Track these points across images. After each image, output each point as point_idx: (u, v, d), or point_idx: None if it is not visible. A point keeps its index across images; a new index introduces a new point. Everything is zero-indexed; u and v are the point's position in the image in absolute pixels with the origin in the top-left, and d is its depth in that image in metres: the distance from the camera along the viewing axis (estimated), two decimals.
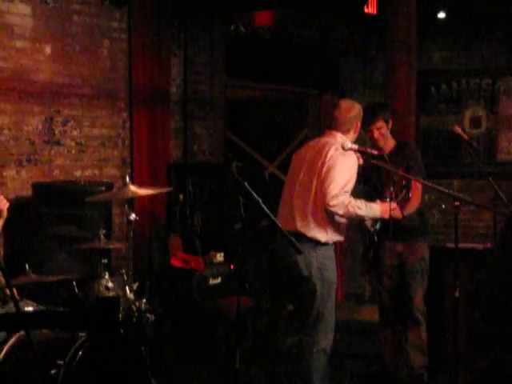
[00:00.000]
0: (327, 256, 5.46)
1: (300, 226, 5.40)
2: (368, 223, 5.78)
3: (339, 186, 5.25)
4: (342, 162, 5.34)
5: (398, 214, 5.67)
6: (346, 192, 5.28)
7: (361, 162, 5.53)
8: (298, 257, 5.25)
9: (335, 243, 5.56)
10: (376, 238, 5.88)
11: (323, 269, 5.42)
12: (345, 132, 5.56)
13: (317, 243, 5.40)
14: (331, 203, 5.23)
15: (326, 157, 5.38)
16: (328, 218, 5.37)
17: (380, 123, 6.02)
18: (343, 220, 5.46)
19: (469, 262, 6.37)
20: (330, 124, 5.62)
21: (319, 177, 5.35)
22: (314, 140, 5.79)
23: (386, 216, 5.53)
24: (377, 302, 6.45)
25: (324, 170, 5.34)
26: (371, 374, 6.55)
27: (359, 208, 5.32)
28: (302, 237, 5.32)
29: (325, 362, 5.51)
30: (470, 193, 8.78)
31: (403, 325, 6.18)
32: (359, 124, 5.65)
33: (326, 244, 5.43)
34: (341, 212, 5.27)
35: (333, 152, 5.38)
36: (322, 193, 5.29)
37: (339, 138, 5.50)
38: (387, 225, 5.68)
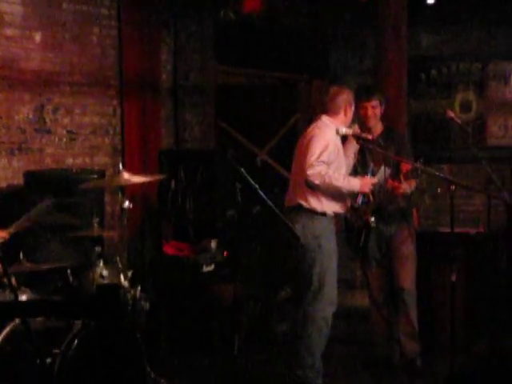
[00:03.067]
0: (325, 227, 5.64)
1: (299, 198, 5.61)
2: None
3: (314, 156, 5.44)
4: (316, 134, 5.58)
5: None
6: (322, 162, 5.45)
7: (359, 145, 5.69)
8: (296, 226, 5.42)
9: (335, 215, 5.72)
10: (372, 222, 5.91)
11: (321, 237, 5.60)
12: (332, 115, 5.73)
13: (314, 213, 5.58)
14: (308, 172, 5.43)
15: (307, 135, 5.63)
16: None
17: (375, 102, 6.09)
18: (344, 191, 5.62)
19: (463, 246, 6.41)
20: (321, 110, 5.80)
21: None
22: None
23: (367, 190, 5.73)
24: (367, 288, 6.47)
25: (305, 145, 5.58)
26: (363, 359, 6.54)
27: (336, 179, 5.49)
28: (300, 208, 5.59)
29: (326, 333, 5.67)
30: (460, 177, 8.76)
31: (394, 311, 6.20)
32: (351, 108, 5.78)
33: (323, 214, 5.61)
34: (317, 182, 5.44)
35: (311, 129, 5.66)
36: (302, 165, 5.50)
37: (324, 119, 5.70)
38: (369, 201, 5.85)
